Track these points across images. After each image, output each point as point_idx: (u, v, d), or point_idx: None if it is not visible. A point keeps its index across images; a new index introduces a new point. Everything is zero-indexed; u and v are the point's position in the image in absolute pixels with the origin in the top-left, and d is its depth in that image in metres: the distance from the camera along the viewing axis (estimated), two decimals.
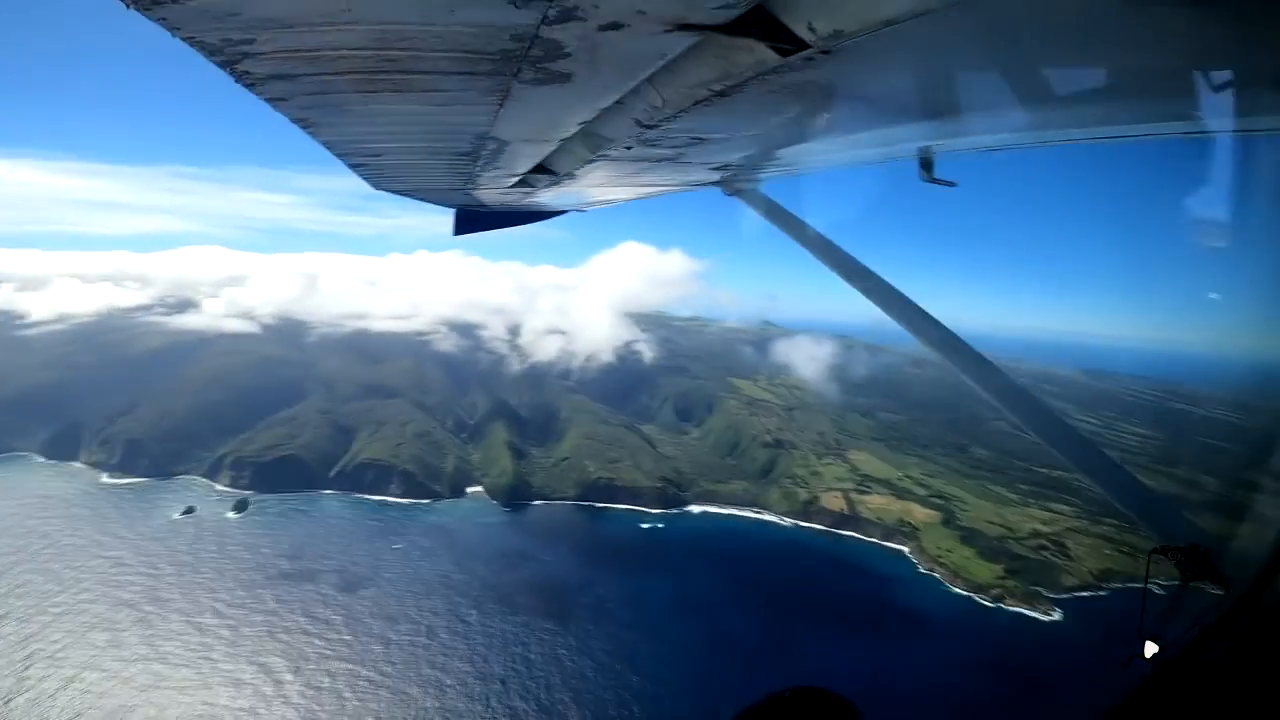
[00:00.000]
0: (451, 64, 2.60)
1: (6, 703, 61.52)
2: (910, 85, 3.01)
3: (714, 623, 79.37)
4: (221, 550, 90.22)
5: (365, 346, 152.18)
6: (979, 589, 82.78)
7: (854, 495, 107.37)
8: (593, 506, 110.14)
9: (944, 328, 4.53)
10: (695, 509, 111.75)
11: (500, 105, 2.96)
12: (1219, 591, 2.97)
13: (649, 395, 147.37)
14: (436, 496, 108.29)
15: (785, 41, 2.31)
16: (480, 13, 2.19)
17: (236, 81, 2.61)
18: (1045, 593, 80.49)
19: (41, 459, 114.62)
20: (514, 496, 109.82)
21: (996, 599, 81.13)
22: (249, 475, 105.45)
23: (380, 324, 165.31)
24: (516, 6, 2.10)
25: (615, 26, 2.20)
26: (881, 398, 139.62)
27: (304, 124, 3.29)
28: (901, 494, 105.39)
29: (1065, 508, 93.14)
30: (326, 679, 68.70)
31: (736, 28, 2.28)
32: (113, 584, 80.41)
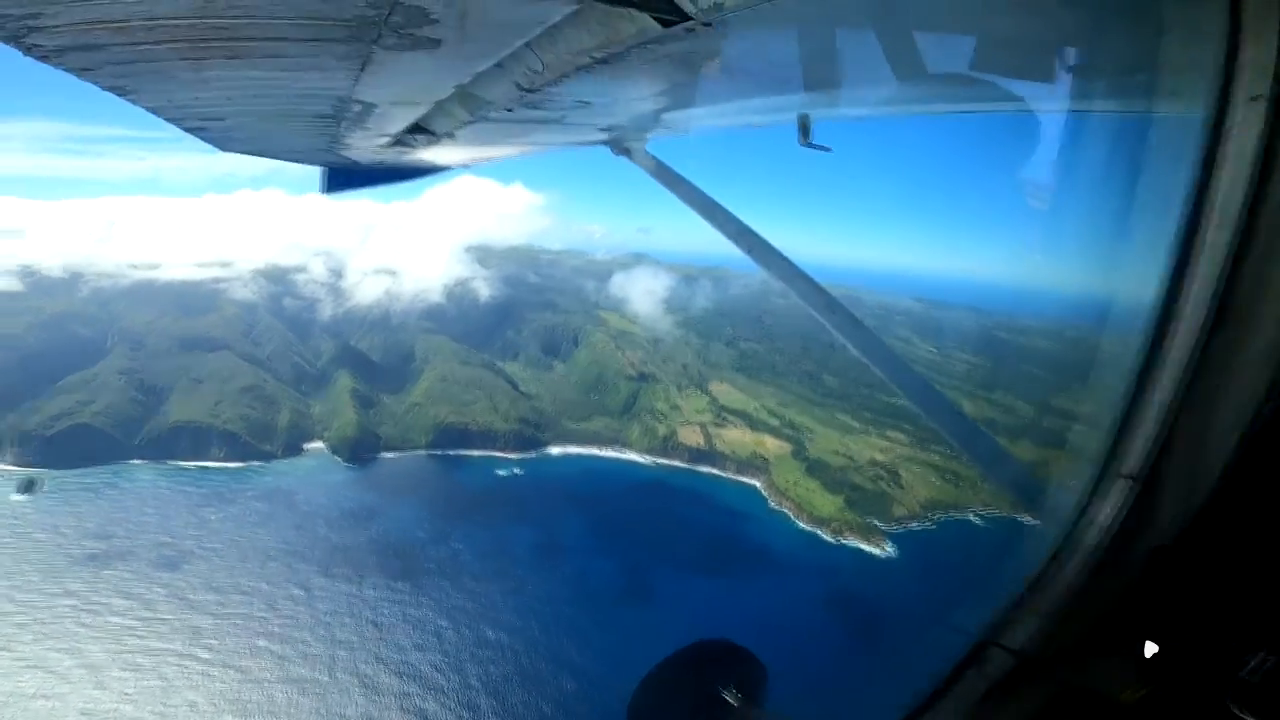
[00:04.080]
0: (297, 30, 2.46)
1: None
2: (788, 57, 3.11)
3: (572, 571, 79.35)
4: (14, 535, 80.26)
5: (175, 296, 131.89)
6: (822, 523, 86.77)
7: (711, 428, 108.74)
8: (446, 455, 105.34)
9: (809, 277, 4.79)
10: (555, 450, 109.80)
11: (361, 70, 2.77)
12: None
13: (515, 330, 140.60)
14: (268, 457, 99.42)
15: (667, 12, 2.36)
16: None
17: (26, 54, 2.40)
18: (879, 524, 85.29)
19: None
20: (359, 450, 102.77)
21: (837, 533, 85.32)
22: (35, 451, 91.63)
23: (173, 272, 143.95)
24: None
25: None
26: (745, 326, 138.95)
27: (120, 91, 3.02)
28: (756, 425, 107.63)
29: (901, 435, 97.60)
30: (145, 659, 64.13)
31: None
32: None
